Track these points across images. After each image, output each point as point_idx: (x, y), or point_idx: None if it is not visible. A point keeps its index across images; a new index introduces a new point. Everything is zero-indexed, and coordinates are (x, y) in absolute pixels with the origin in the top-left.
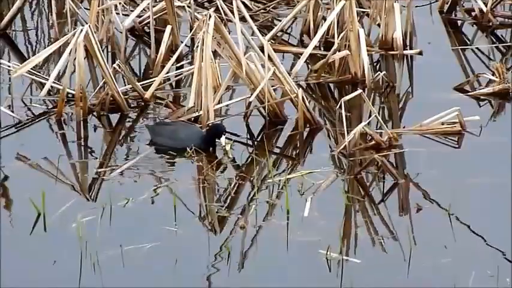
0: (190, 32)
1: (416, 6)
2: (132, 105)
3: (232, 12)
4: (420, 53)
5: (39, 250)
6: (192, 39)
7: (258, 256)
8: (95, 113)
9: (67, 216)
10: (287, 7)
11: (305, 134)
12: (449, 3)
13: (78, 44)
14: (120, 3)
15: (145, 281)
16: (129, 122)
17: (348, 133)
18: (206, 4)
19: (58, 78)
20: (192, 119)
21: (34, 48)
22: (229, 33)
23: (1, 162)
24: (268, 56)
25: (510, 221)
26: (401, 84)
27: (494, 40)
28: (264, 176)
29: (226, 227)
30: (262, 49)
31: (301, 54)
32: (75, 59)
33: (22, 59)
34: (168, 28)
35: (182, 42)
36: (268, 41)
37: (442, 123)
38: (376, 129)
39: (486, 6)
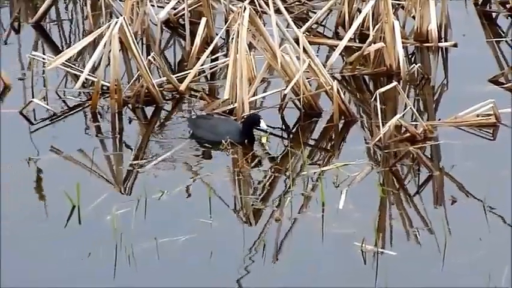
0: (225, 24)
1: None
2: (167, 98)
3: (267, 4)
4: (455, 45)
5: (74, 243)
6: (227, 32)
7: (293, 248)
8: (129, 105)
9: (102, 208)
10: None
11: (340, 126)
12: None
13: (113, 36)
14: None
15: (180, 273)
16: (164, 114)
17: (383, 125)
18: None
19: (93, 70)
20: (227, 111)
21: (68, 40)
22: (264, 26)
23: (37, 155)
24: (303, 48)
25: None
26: (436, 77)
27: None
28: (299, 168)
29: (262, 220)
30: (297, 41)
31: (336, 46)
32: (110, 51)
33: (57, 51)
34: (203, 20)
35: (217, 34)
36: (303, 33)
37: (477, 116)
38: (411, 122)
39: None
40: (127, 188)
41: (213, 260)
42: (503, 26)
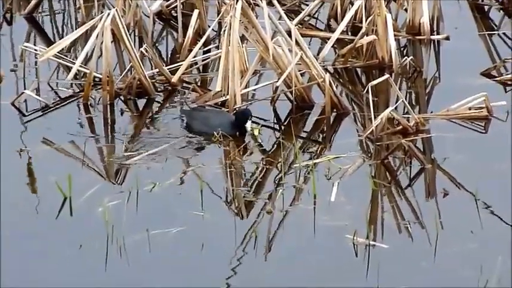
0: (218, 16)
1: None
2: (159, 89)
3: None
4: (447, 38)
5: (66, 234)
6: (220, 24)
7: (285, 241)
8: (121, 97)
9: (93, 200)
10: None
11: (332, 118)
12: None
13: (105, 27)
14: None
15: (172, 265)
16: (156, 105)
17: (375, 118)
18: None
19: (85, 62)
20: (219, 103)
21: (61, 32)
22: (256, 18)
23: (27, 146)
24: (296, 41)
25: None
26: (428, 69)
27: None
28: (291, 160)
29: (253, 212)
30: (289, 33)
31: (329, 38)
32: (102, 42)
33: (49, 42)
34: (196, 12)
35: (209, 26)
36: (295, 26)
37: (469, 109)
38: (403, 114)
39: None
40: (118, 180)
41: (205, 252)
42: (496, 19)
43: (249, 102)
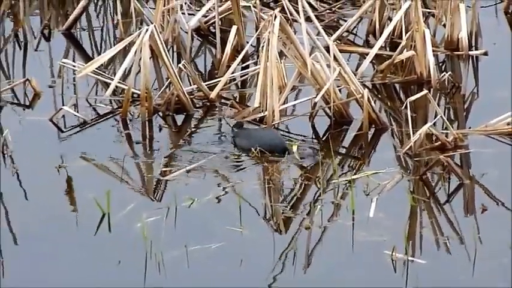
0: (256, 32)
1: (482, 7)
2: (197, 105)
3: (297, 12)
4: (485, 54)
5: (104, 250)
6: (258, 39)
7: (323, 257)
8: (160, 113)
9: (132, 216)
10: (352, 7)
11: (370, 134)
12: None
13: (144, 43)
14: (185, 3)
15: (210, 281)
16: (194, 122)
17: (413, 133)
18: (272, 4)
19: (123, 78)
20: (258, 119)
21: (99, 48)
22: (294, 34)
23: (65, 162)
24: (334, 56)
25: None
26: (466, 85)
27: None
28: (329, 176)
29: (292, 228)
30: (327, 49)
31: (367, 54)
32: (140, 59)
33: (87, 58)
34: (234, 28)
35: (248, 42)
36: (333, 41)
37: (508, 124)
38: (442, 130)
39: None
40: (157, 196)
41: (243, 268)
42: None
43: (288, 118)
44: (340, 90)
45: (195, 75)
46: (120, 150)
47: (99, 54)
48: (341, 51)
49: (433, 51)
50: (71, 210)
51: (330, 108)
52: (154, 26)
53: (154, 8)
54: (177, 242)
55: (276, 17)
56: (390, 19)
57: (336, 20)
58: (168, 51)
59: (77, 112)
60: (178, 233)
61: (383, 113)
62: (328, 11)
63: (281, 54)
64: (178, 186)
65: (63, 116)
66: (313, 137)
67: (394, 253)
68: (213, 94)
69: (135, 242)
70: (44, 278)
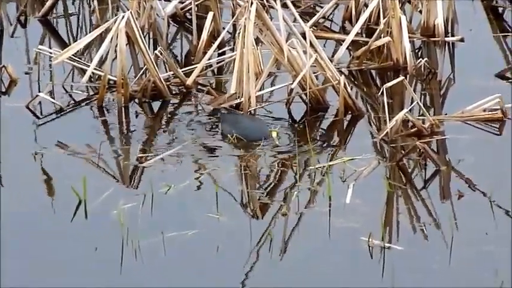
0: (232, 18)
1: None
2: (173, 92)
3: None
4: (462, 40)
5: (81, 237)
6: (234, 26)
7: (300, 243)
8: (136, 100)
9: (108, 203)
10: None
11: (347, 120)
12: None
13: (120, 30)
14: None
15: (187, 267)
16: (170, 108)
17: (389, 120)
18: None
19: (99, 64)
20: (234, 105)
21: (75, 34)
22: (271, 20)
23: (42, 149)
24: (310, 43)
25: None
26: (443, 71)
27: None
28: (305, 162)
29: (268, 214)
30: (304, 36)
31: (343, 40)
32: (116, 45)
33: (63, 45)
34: (210, 14)
35: (224, 28)
36: (310, 28)
37: (484, 110)
38: (418, 116)
39: None
40: (133, 183)
41: (220, 254)
42: (510, 21)
43: (264, 104)
44: (316, 76)
45: (171, 61)
46: (97, 137)
47: (75, 40)
48: (317, 37)
49: (409, 37)
50: (47, 197)
51: (306, 94)
52: (131, 12)
53: None
54: (153, 229)
55: (252, 3)
56: (366, 5)
57: (312, 6)
58: (145, 37)
59: (53, 99)
60: (154, 220)
61: (359, 99)
62: None
63: (257, 40)
64: (154, 172)
65: (40, 102)
66: (290, 123)
67: (370, 239)
68: (189, 81)
69: (112, 228)
70: (20, 265)
